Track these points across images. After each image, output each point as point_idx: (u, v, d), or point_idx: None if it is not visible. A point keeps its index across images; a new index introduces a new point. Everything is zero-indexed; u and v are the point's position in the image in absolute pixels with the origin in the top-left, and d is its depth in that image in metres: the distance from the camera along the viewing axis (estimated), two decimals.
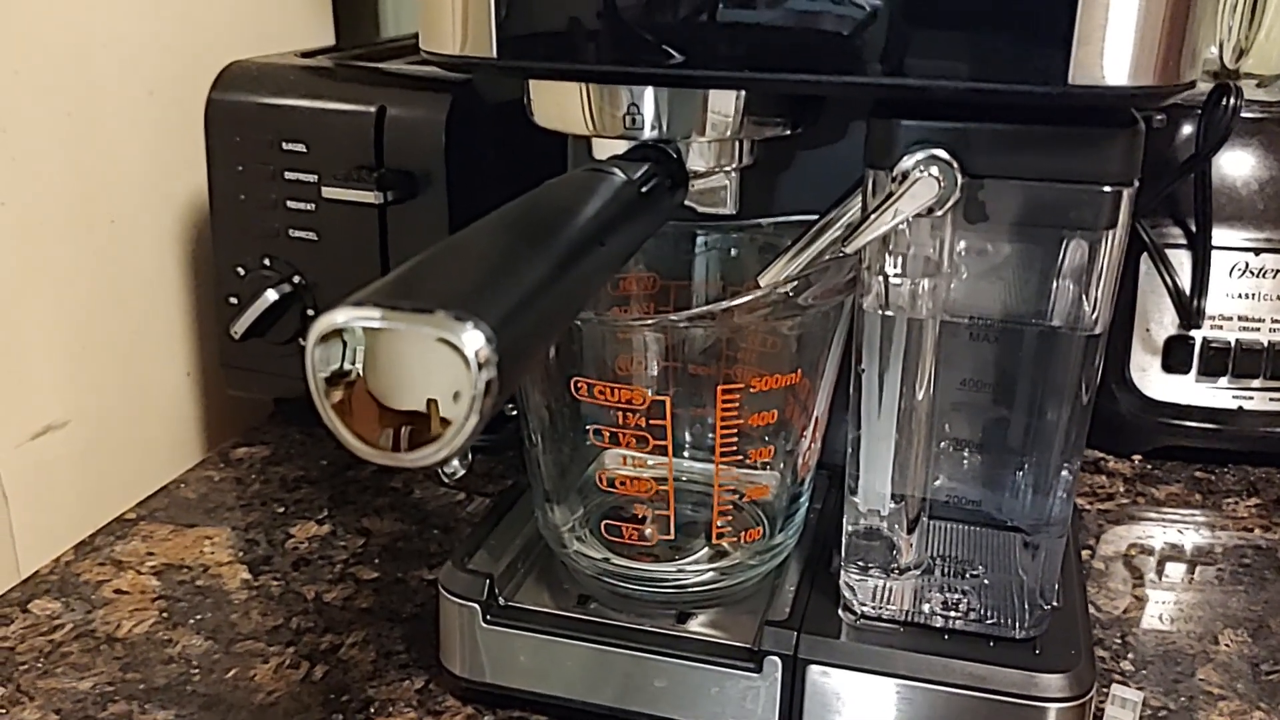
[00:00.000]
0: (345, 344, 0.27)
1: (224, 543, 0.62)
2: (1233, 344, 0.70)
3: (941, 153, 0.37)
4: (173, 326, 0.70)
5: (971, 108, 0.38)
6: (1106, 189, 0.37)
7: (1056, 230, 0.39)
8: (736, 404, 0.45)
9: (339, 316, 0.27)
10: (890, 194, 0.38)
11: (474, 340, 0.26)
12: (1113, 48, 0.34)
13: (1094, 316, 0.40)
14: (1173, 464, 0.73)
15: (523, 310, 0.29)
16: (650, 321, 0.45)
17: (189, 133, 0.66)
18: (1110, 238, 0.38)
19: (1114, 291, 0.40)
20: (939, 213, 0.38)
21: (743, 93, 0.43)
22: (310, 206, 0.64)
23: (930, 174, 0.37)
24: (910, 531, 0.46)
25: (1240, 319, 0.71)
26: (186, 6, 0.69)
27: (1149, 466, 0.73)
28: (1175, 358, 0.71)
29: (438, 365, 0.26)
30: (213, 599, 0.57)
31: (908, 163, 0.38)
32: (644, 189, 0.39)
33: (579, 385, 0.45)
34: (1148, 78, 0.35)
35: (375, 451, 0.27)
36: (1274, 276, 0.70)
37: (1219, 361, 0.71)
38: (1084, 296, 0.40)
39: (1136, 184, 0.38)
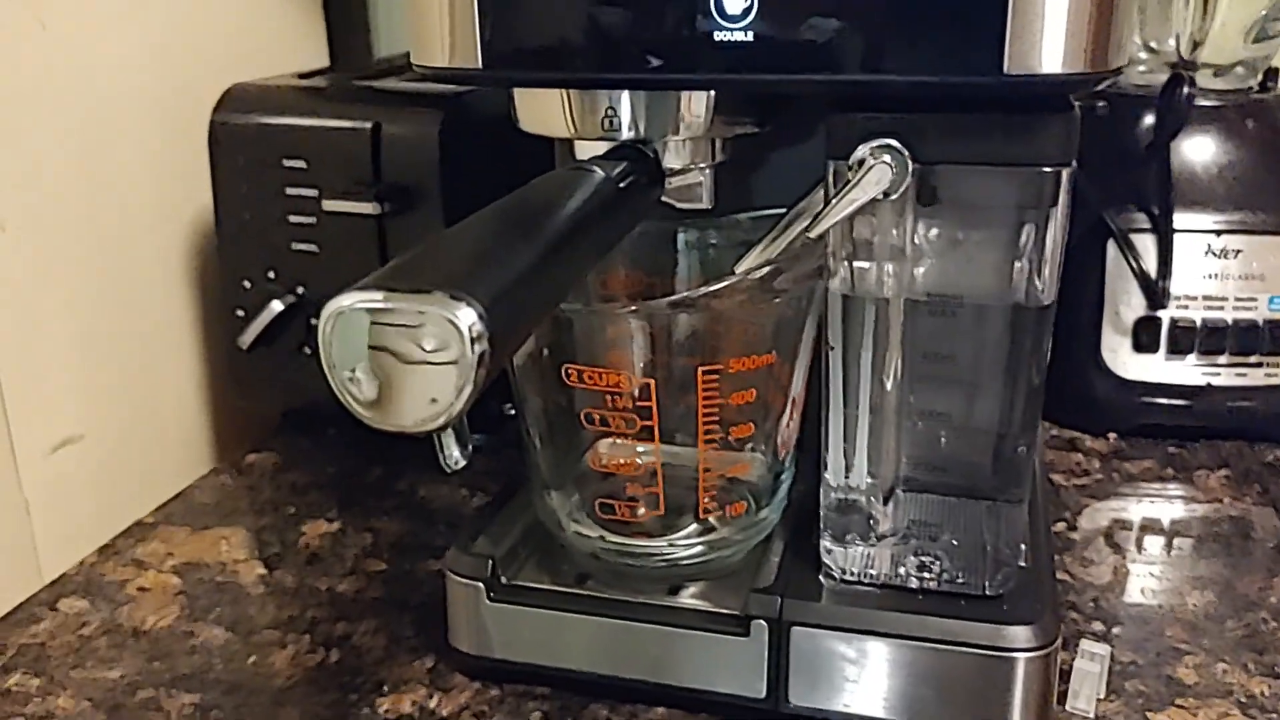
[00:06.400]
0: (356, 324, 0.30)
1: (239, 542, 0.65)
2: (1198, 323, 0.73)
3: (894, 142, 0.41)
4: (182, 341, 0.73)
5: (922, 100, 0.41)
6: (1046, 170, 0.41)
7: (1003, 210, 0.42)
8: (716, 385, 0.48)
9: (346, 300, 0.30)
10: (848, 181, 0.41)
11: (468, 317, 0.29)
12: (1044, 39, 0.37)
13: (1043, 289, 0.43)
14: (1146, 441, 0.76)
15: (511, 292, 0.32)
16: (634, 308, 0.48)
17: (193, 153, 0.69)
18: (1053, 215, 0.42)
19: (1060, 264, 0.43)
20: (893, 197, 0.41)
21: (713, 94, 0.46)
22: (311, 220, 0.67)
23: (883, 161, 0.40)
24: (886, 502, 0.49)
25: (1205, 298, 0.74)
26: (188, 32, 0.72)
27: (1124, 444, 0.76)
28: (1144, 338, 0.74)
29: (437, 339, 0.29)
30: (231, 594, 0.60)
31: (863, 152, 0.41)
32: (622, 185, 0.42)
33: (569, 373, 0.48)
34: (1078, 65, 0.38)
35: (383, 419, 0.30)
36: (1235, 257, 0.73)
37: (1186, 340, 0.74)
38: (1033, 271, 0.43)
39: (1074, 164, 0.41)
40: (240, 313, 0.70)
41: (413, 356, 0.29)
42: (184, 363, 0.74)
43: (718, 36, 0.40)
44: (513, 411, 0.54)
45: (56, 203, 0.62)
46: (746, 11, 0.39)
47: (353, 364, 0.30)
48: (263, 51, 0.80)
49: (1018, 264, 0.43)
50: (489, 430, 0.72)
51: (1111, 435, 0.76)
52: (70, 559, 0.63)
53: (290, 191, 0.67)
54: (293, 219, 0.67)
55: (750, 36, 0.40)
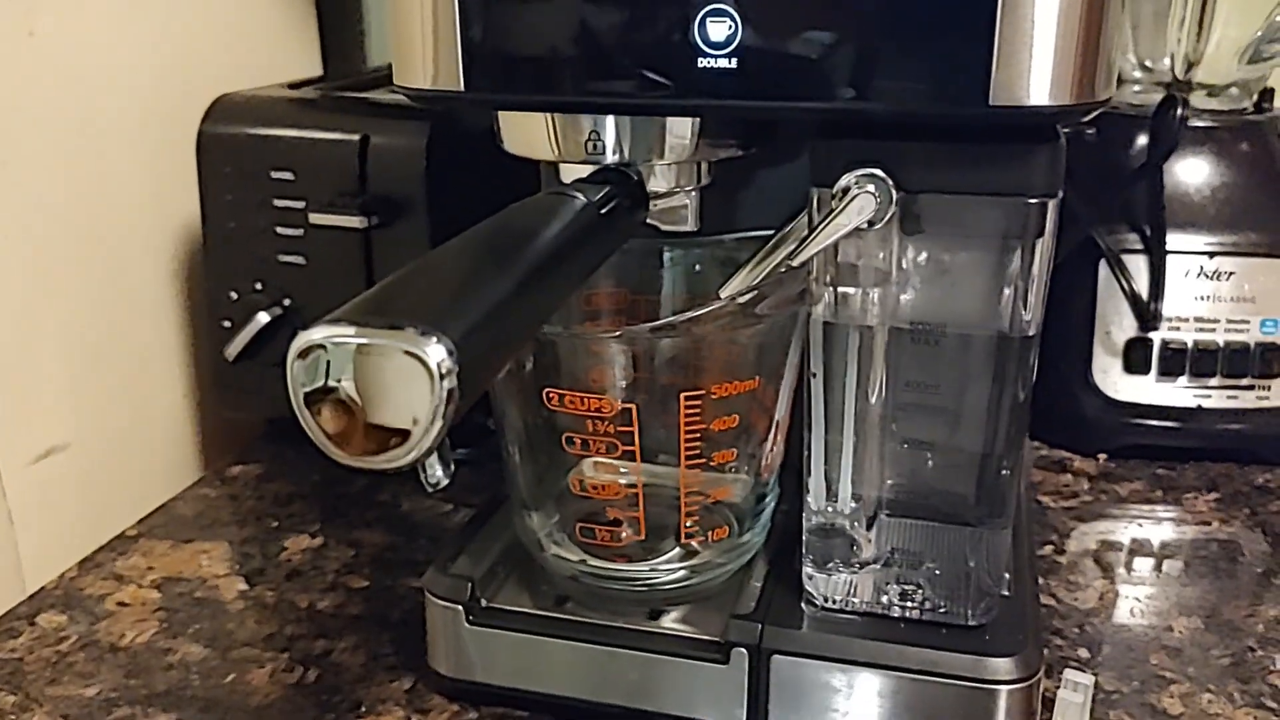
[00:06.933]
0: (324, 358, 0.30)
1: (220, 556, 0.65)
2: (1190, 345, 0.73)
3: (878, 171, 0.40)
4: (169, 351, 0.73)
5: (907, 129, 0.41)
6: (1032, 201, 0.40)
7: (988, 240, 0.42)
8: (699, 410, 0.47)
9: (317, 333, 0.30)
10: (832, 210, 0.40)
11: (437, 353, 0.29)
12: (1030, 71, 0.37)
13: (1028, 319, 0.43)
14: (1135, 462, 0.75)
15: (484, 326, 0.32)
16: (616, 334, 0.48)
17: (182, 163, 0.69)
18: (1039, 245, 0.41)
19: (1045, 295, 0.42)
20: (877, 226, 0.41)
21: (698, 118, 0.46)
22: (298, 232, 0.67)
23: (867, 191, 0.40)
24: (869, 528, 0.48)
25: (1197, 320, 0.73)
26: (181, 41, 0.72)
27: (1113, 465, 0.75)
28: (1135, 359, 0.74)
29: (405, 376, 0.29)
30: (210, 609, 0.60)
31: (847, 180, 0.40)
32: (604, 210, 0.41)
33: (550, 396, 0.47)
34: (1064, 97, 0.38)
35: (350, 455, 0.30)
36: (1228, 279, 0.73)
37: (1177, 362, 0.73)
38: (1018, 301, 0.42)
39: (1060, 195, 0.41)
40: (227, 324, 0.70)
41: (381, 392, 0.29)
42: (170, 372, 0.73)
43: (701, 63, 0.40)
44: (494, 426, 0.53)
45: (44, 211, 0.62)
46: (730, 39, 0.39)
47: (320, 398, 0.29)
48: (255, 60, 0.80)
49: (1004, 293, 0.42)
50: (472, 444, 0.72)
51: (1101, 456, 0.76)
52: (54, 571, 0.63)
53: (278, 203, 0.67)
54: (280, 230, 0.67)
55: (734, 64, 0.39)
